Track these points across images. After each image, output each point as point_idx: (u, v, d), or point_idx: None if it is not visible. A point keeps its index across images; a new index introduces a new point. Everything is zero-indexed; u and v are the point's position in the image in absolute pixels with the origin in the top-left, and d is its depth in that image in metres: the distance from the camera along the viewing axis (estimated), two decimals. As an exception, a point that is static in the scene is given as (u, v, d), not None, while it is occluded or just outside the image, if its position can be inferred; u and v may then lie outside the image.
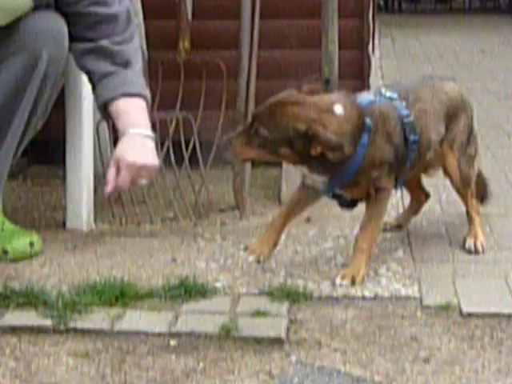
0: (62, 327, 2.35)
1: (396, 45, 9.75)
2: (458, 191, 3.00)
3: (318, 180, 2.64)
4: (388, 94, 2.72)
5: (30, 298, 2.48)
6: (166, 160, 3.43)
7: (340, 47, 3.65)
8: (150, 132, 2.66)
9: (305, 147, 2.49)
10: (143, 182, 2.63)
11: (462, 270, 2.75)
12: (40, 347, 2.28)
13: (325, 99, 2.58)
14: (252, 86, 3.50)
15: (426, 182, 3.75)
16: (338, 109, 2.54)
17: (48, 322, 2.36)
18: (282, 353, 2.24)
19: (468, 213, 3.00)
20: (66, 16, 2.81)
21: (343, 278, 2.62)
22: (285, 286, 2.60)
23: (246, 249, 2.86)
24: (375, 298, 2.56)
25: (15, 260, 2.85)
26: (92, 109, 3.25)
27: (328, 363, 2.19)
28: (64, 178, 3.33)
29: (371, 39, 4.81)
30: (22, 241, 2.89)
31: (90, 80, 2.80)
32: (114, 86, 2.69)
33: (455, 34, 11.01)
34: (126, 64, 2.74)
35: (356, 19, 4.04)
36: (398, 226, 3.12)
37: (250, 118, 2.59)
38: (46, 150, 3.83)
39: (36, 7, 2.79)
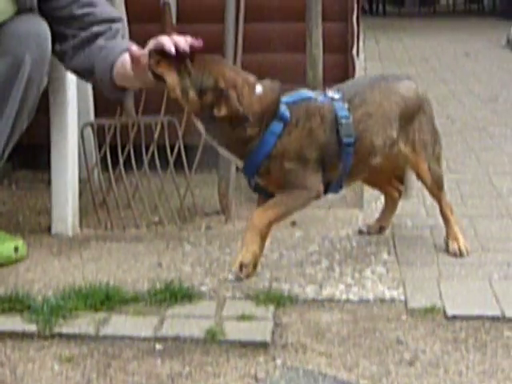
0: (47, 332, 2.34)
1: (380, 47, 9.79)
2: (432, 192, 3.01)
3: (236, 161, 2.67)
4: (331, 94, 2.72)
5: (15, 303, 2.47)
6: (150, 164, 3.43)
7: (324, 51, 3.67)
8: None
9: (212, 104, 2.51)
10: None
11: (446, 272, 2.77)
12: (25, 352, 2.27)
13: (253, 78, 2.61)
14: (237, 89, 3.50)
15: (411, 185, 3.78)
16: (258, 88, 2.57)
17: (33, 327, 2.36)
18: (267, 356, 2.25)
19: (443, 213, 3.01)
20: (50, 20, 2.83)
21: (235, 264, 2.64)
22: (270, 289, 2.60)
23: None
24: (360, 300, 2.57)
25: (0, 265, 2.84)
26: (76, 113, 3.25)
27: (313, 367, 2.20)
28: (49, 182, 3.32)
29: (356, 42, 4.82)
30: (6, 245, 2.88)
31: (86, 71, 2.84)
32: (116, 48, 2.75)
33: (439, 37, 11.07)
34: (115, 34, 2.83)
35: (340, 22, 4.05)
36: (381, 228, 3.13)
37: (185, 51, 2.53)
38: (31, 155, 3.83)
39: (19, 11, 2.80)
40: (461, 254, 2.89)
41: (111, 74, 2.73)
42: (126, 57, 2.65)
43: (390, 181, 3.17)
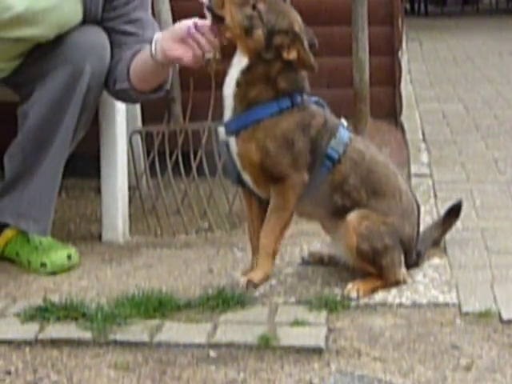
0: (102, 339, 2.36)
1: (424, 48, 9.73)
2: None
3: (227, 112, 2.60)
4: (344, 122, 2.69)
5: (70, 311, 2.49)
6: (199, 170, 3.45)
7: (371, 54, 3.66)
8: None
9: (281, 45, 2.50)
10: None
11: (499, 275, 2.74)
12: (81, 360, 2.29)
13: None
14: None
15: (460, 187, 3.76)
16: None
17: (88, 335, 2.38)
18: (321, 362, 2.24)
19: None
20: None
21: (245, 277, 2.58)
22: (322, 294, 2.60)
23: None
24: (413, 305, 2.55)
25: (53, 273, 2.87)
26: (125, 121, 3.28)
27: (368, 372, 2.19)
28: (98, 190, 3.35)
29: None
30: (60, 254, 2.91)
31: None
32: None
33: (483, 36, 10.98)
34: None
35: (386, 26, 4.04)
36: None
37: None
38: (80, 163, 3.86)
39: (83, 22, 2.89)
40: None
41: (128, 76, 2.80)
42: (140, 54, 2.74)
43: None
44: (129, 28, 2.91)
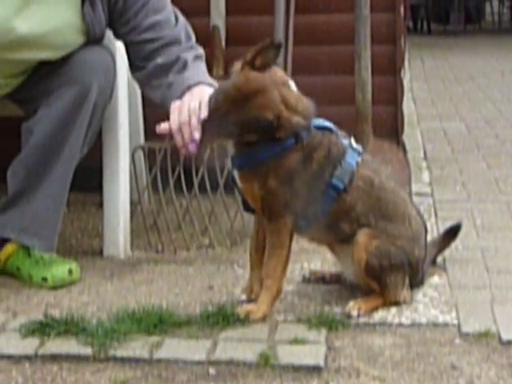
0: (102, 355, 2.36)
1: (426, 67, 9.77)
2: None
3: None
4: (354, 143, 2.65)
5: (70, 326, 2.49)
6: (200, 186, 3.46)
7: (373, 73, 3.68)
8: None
9: (271, 132, 2.45)
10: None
11: (500, 295, 2.74)
12: (81, 375, 2.29)
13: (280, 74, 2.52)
14: (286, 112, 3.52)
15: (460, 206, 3.77)
16: (292, 85, 2.52)
17: (88, 350, 2.38)
18: (320, 381, 2.24)
19: None
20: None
21: (243, 310, 2.57)
22: (322, 313, 2.60)
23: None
24: (413, 324, 2.55)
25: (54, 288, 2.88)
26: (128, 136, 3.29)
27: (367, 391, 2.19)
28: (100, 204, 3.36)
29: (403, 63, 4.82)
30: (61, 268, 2.92)
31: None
32: (177, 87, 2.76)
33: (486, 55, 11.01)
34: (183, 68, 2.81)
35: (389, 45, 4.05)
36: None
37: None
38: (82, 177, 3.87)
39: (87, 42, 2.92)
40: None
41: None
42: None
43: None
44: (148, 35, 2.88)
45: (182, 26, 2.93)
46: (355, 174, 2.60)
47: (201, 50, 2.94)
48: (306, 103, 2.53)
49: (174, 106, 2.63)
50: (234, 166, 2.61)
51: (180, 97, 2.68)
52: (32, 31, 2.79)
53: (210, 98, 2.50)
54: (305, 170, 2.55)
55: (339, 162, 2.58)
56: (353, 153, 2.62)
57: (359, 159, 2.63)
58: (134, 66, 2.94)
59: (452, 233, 3.01)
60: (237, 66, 2.49)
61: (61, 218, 2.99)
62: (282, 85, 2.48)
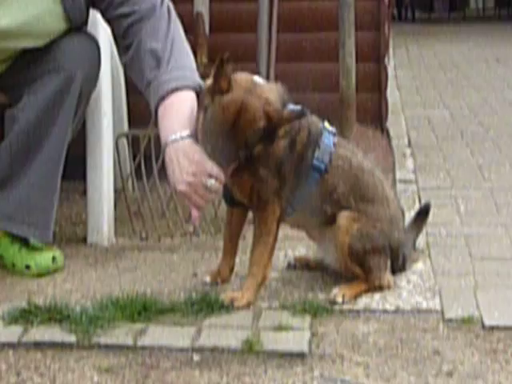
0: (86, 343, 2.36)
1: (410, 54, 9.77)
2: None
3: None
4: (328, 126, 2.66)
5: (54, 314, 2.49)
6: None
7: (357, 60, 3.67)
8: (184, 132, 2.55)
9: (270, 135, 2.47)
10: (212, 182, 2.50)
11: (483, 281, 2.75)
12: (65, 362, 2.29)
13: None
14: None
15: (444, 193, 3.79)
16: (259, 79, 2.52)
17: (72, 338, 2.38)
18: (304, 367, 2.25)
19: None
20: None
21: (227, 297, 2.58)
22: (306, 299, 2.61)
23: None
24: (396, 311, 2.56)
25: (38, 275, 2.87)
26: (112, 124, 3.28)
27: (351, 377, 2.20)
28: (84, 192, 3.35)
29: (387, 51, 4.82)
30: (44, 256, 2.91)
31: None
32: (154, 93, 2.68)
33: (470, 43, 11.03)
34: (158, 63, 2.72)
35: (373, 32, 4.06)
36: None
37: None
38: (66, 165, 3.86)
39: (70, 29, 2.90)
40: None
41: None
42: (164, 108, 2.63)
43: None
44: (123, 10, 2.82)
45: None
46: (334, 154, 2.62)
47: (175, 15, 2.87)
48: (279, 89, 2.54)
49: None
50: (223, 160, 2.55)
51: (163, 99, 2.63)
52: (12, 22, 2.77)
53: (205, 146, 2.49)
54: (291, 153, 2.56)
55: (317, 144, 2.60)
56: (328, 134, 2.64)
57: (335, 140, 2.65)
58: (120, 49, 2.89)
59: (423, 213, 3.00)
60: (207, 99, 2.46)
61: (54, 205, 2.96)
62: (253, 87, 2.47)
